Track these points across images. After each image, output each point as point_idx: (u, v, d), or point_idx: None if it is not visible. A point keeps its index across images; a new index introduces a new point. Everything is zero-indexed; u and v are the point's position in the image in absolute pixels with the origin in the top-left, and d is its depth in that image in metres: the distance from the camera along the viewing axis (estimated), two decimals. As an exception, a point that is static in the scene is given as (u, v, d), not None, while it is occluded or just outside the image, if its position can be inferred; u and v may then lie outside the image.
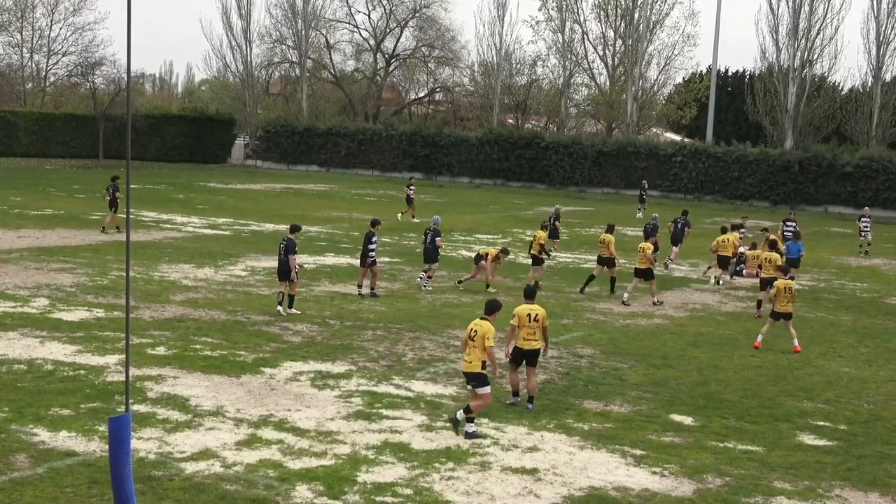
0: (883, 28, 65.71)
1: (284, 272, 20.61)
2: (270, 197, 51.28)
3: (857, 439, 13.74)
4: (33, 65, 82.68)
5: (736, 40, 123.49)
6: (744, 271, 28.83)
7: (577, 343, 19.12)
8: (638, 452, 12.63)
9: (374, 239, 23.11)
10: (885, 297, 27.73)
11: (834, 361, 18.88)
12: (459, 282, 25.20)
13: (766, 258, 23.95)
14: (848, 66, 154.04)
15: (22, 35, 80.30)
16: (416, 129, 74.48)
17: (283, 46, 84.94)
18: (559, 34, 76.89)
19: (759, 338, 19.65)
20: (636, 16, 73.56)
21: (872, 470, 12.47)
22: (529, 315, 14.19)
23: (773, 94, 67.20)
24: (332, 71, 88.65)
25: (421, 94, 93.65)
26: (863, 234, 38.69)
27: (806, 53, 66.82)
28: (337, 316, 20.58)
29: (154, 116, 75.59)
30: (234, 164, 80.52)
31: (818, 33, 66.78)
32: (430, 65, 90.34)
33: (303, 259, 24.22)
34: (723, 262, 27.76)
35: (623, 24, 75.58)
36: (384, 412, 13.77)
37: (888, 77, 66.95)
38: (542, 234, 26.08)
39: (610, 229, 26.42)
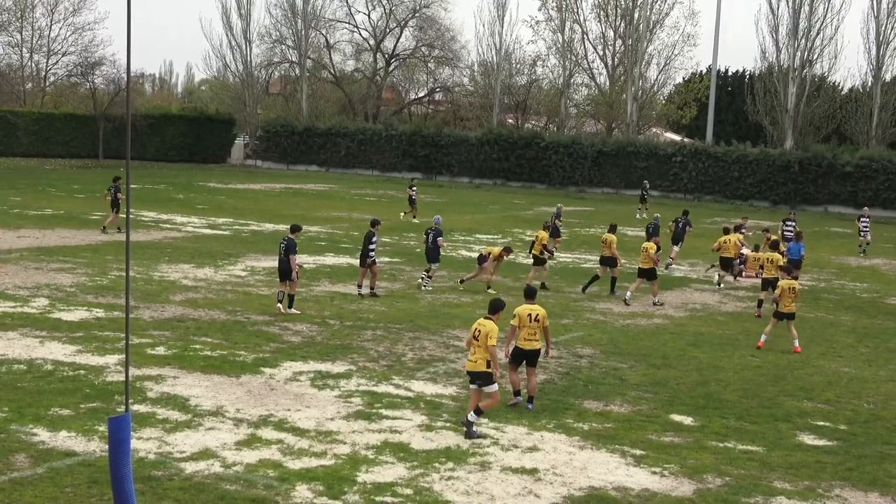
0: (883, 28, 65.73)
1: (285, 272, 20.61)
2: (270, 197, 51.28)
3: (857, 439, 13.74)
4: (33, 65, 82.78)
5: (736, 40, 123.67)
6: (743, 272, 28.83)
7: (577, 343, 19.12)
8: (638, 452, 12.62)
9: (374, 239, 23.11)
10: (885, 297, 27.73)
11: (834, 361, 18.88)
12: (461, 281, 25.23)
13: (768, 258, 23.95)
14: (848, 66, 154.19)
15: (22, 35, 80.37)
16: (416, 129, 74.50)
17: (283, 46, 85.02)
18: (559, 34, 76.97)
19: (763, 338, 19.64)
20: (636, 16, 73.58)
21: (872, 470, 12.47)
22: (530, 315, 14.19)
23: (773, 94, 67.22)
24: (331, 71, 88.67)
25: (421, 94, 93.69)
26: (862, 233, 38.71)
27: (806, 53, 66.84)
28: (337, 316, 20.58)
29: (154, 116, 75.60)
30: (233, 164, 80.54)
31: (818, 33, 66.84)
32: (429, 65, 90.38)
33: (303, 259, 24.22)
34: (725, 264, 27.75)
35: (623, 24, 75.61)
36: (384, 412, 13.77)
37: (888, 77, 67.01)
38: (544, 235, 26.07)
39: (612, 229, 26.45)
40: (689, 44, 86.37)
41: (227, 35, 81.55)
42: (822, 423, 14.47)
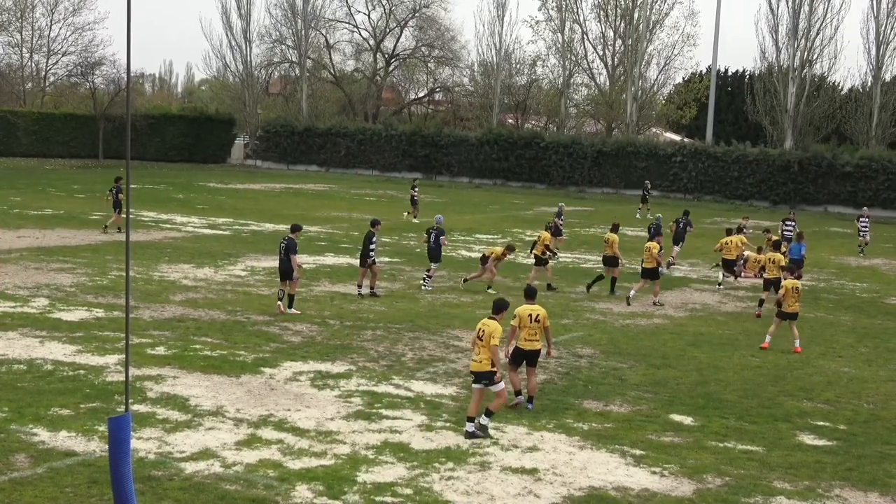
0: (883, 28, 65.75)
1: (285, 271, 20.62)
2: (270, 197, 51.29)
3: (856, 439, 13.74)
4: (33, 65, 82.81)
5: (736, 40, 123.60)
6: (742, 273, 28.82)
7: (577, 343, 19.12)
8: (638, 452, 12.63)
9: (374, 239, 23.12)
10: (885, 297, 27.73)
11: (834, 361, 18.88)
12: (464, 280, 25.27)
13: (769, 258, 23.96)
14: (848, 66, 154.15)
15: (22, 35, 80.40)
16: (416, 129, 74.51)
17: (283, 46, 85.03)
18: (559, 34, 76.98)
19: (768, 338, 19.61)
20: (636, 16, 73.59)
21: (872, 470, 12.47)
22: (531, 315, 14.19)
23: (772, 94, 67.22)
24: (331, 71, 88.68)
25: (421, 94, 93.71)
26: (861, 233, 38.71)
27: (806, 53, 66.86)
28: (337, 316, 20.58)
29: (154, 116, 75.62)
30: (233, 164, 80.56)
31: (818, 33, 66.86)
32: (429, 65, 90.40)
33: (303, 259, 24.21)
34: (727, 265, 27.75)
35: (623, 24, 75.62)
36: (384, 412, 13.77)
37: (888, 77, 67.01)
38: (547, 235, 26.08)
39: (614, 228, 26.48)
40: (689, 44, 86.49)
41: (227, 35, 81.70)
42: (821, 423, 14.48)
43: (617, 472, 11.87)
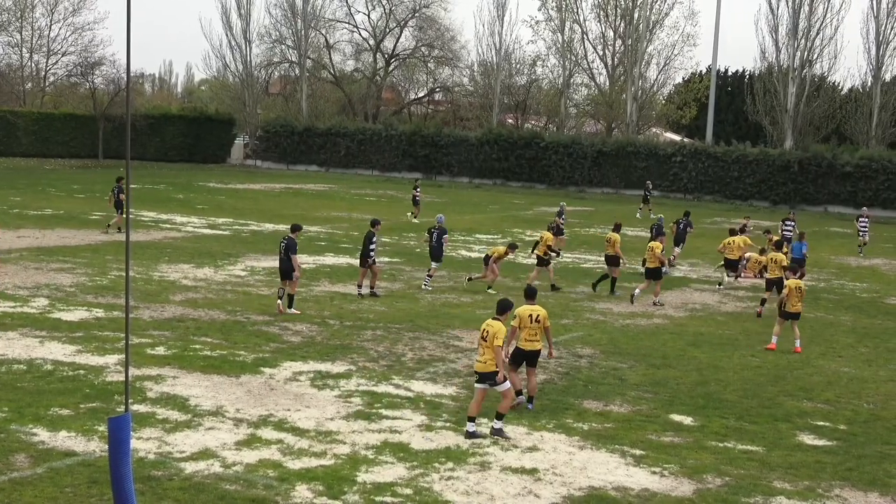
0: (882, 28, 65.75)
1: (285, 271, 20.62)
2: (270, 197, 51.29)
3: (856, 439, 13.74)
4: (33, 65, 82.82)
5: (736, 40, 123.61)
6: (742, 273, 28.81)
7: (577, 343, 19.12)
8: (638, 452, 12.62)
9: (375, 239, 23.12)
10: (885, 297, 27.73)
11: (834, 361, 18.88)
12: (469, 279, 25.32)
13: (771, 258, 23.98)
14: (848, 66, 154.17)
15: (21, 35, 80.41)
16: (416, 129, 74.52)
17: (283, 46, 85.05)
18: (559, 34, 76.99)
19: (774, 339, 19.56)
20: (636, 16, 73.60)
21: (872, 470, 12.47)
22: (531, 316, 14.17)
23: (772, 94, 67.23)
24: (331, 71, 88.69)
25: (420, 94, 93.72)
26: (861, 234, 38.71)
27: (806, 53, 66.87)
28: (336, 316, 20.58)
29: (153, 116, 75.62)
30: (233, 164, 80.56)
31: (818, 33, 66.87)
32: (429, 65, 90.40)
33: (302, 259, 24.21)
34: (729, 265, 27.74)
35: (623, 24, 75.64)
36: (384, 412, 13.77)
37: (888, 77, 67.02)
38: (549, 236, 26.08)
39: (617, 228, 26.50)
40: (689, 44, 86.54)
41: (226, 35, 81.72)
42: (821, 423, 14.47)
43: (617, 472, 11.87)
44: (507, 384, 12.99)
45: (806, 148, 63.64)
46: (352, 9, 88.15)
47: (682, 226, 31.88)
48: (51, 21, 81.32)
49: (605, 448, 12.74)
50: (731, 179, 63.79)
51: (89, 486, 10.47)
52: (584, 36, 77.90)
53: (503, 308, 13.32)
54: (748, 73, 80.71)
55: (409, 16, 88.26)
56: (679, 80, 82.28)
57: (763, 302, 23.71)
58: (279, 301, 20.54)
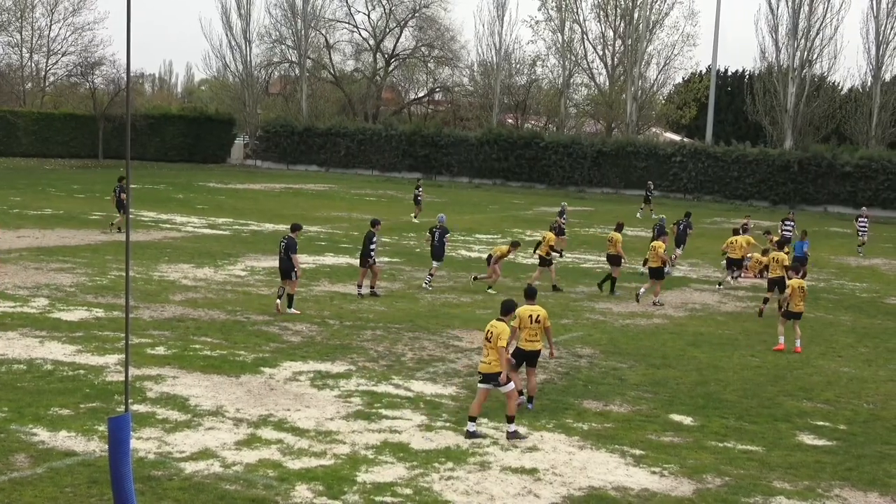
0: (882, 28, 65.76)
1: (285, 270, 20.63)
2: (270, 197, 51.29)
3: (856, 439, 13.74)
4: (33, 65, 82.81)
5: (736, 40, 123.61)
6: (742, 273, 28.80)
7: (577, 343, 19.13)
8: (637, 452, 12.63)
9: (375, 239, 23.12)
10: (885, 297, 27.73)
11: (833, 361, 18.89)
12: (475, 278, 25.37)
13: (773, 258, 24.01)
14: (847, 66, 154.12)
15: (21, 35, 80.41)
16: (416, 129, 74.52)
17: (283, 46, 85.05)
18: (559, 34, 77.00)
19: (780, 339, 19.54)
20: (636, 16, 73.61)
21: (872, 470, 12.48)
22: (531, 316, 14.17)
23: (772, 94, 67.23)
24: (331, 71, 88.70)
25: (420, 94, 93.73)
26: (860, 234, 38.71)
27: (805, 53, 66.87)
28: (336, 316, 20.58)
29: (153, 116, 75.63)
30: (233, 164, 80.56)
31: (818, 33, 66.87)
32: (429, 65, 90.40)
33: (302, 259, 24.22)
34: (732, 265, 27.74)
35: (623, 24, 75.65)
36: (383, 412, 13.77)
37: (888, 77, 67.03)
38: (551, 236, 26.09)
39: (619, 228, 26.51)
40: (689, 44, 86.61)
41: (226, 35, 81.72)
42: (821, 422, 14.48)
43: (617, 472, 11.87)
44: (511, 385, 12.99)
45: (806, 148, 63.65)
46: (352, 9, 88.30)
47: (682, 227, 31.89)
48: (51, 21, 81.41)
49: (604, 448, 12.74)
50: (731, 179, 63.80)
51: (89, 486, 10.47)
52: (584, 36, 77.99)
53: (507, 309, 13.33)
54: (748, 73, 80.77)
55: (409, 16, 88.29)
56: (679, 80, 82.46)
57: (766, 301, 23.73)
58: (278, 301, 20.55)
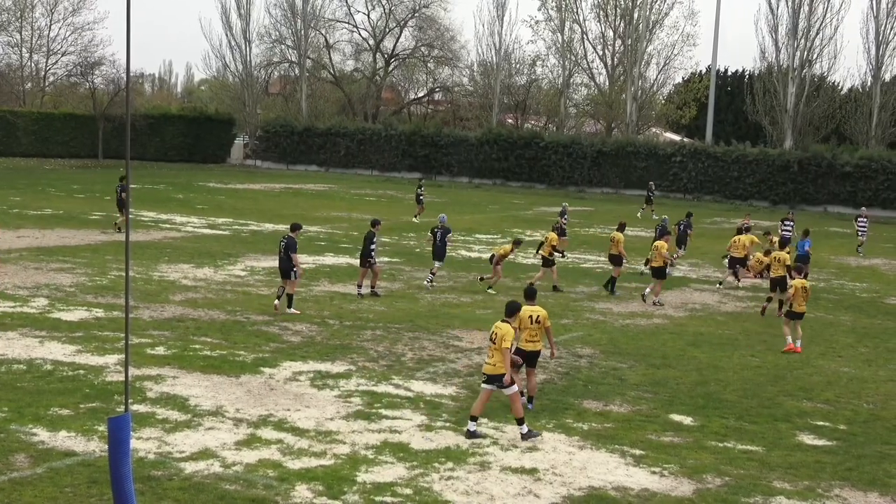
0: (882, 28, 65.78)
1: (285, 270, 20.63)
2: (270, 197, 51.29)
3: (856, 439, 13.74)
4: (32, 65, 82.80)
5: (736, 40, 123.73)
6: (740, 274, 28.78)
7: (577, 343, 19.12)
8: (637, 452, 12.63)
9: (375, 239, 23.12)
10: (885, 297, 27.73)
11: (833, 361, 18.88)
12: (481, 279, 25.43)
13: (775, 257, 24.01)
14: (847, 66, 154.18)
15: (21, 35, 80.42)
16: (416, 129, 74.53)
17: (283, 46, 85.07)
18: (558, 34, 77.01)
19: (788, 340, 19.47)
20: (635, 16, 73.61)
21: (872, 470, 12.47)
22: (531, 317, 14.17)
23: (772, 94, 67.24)
24: (331, 71, 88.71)
25: (420, 94, 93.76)
26: (860, 234, 38.71)
27: (805, 53, 66.89)
28: (336, 316, 20.58)
29: (153, 116, 75.63)
30: (233, 164, 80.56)
31: (817, 33, 66.90)
32: (429, 64, 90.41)
33: (302, 259, 24.20)
34: (733, 264, 27.74)
35: (622, 24, 75.66)
36: (383, 412, 13.77)
37: (887, 77, 67.04)
38: (553, 237, 26.09)
39: (621, 227, 26.53)
40: (689, 44, 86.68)
41: (226, 35, 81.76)
42: (821, 422, 14.48)
43: (617, 472, 11.87)
44: (515, 388, 12.98)
45: (806, 148, 63.66)
46: (351, 9, 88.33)
47: (682, 227, 31.88)
48: (51, 21, 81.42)
49: (604, 448, 12.74)
50: (731, 179, 63.81)
51: (89, 486, 10.47)
52: (584, 36, 78.01)
53: (512, 310, 13.33)
54: (748, 72, 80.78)
55: (409, 16, 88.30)
56: (679, 79, 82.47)
57: (769, 300, 23.75)
58: (277, 300, 20.55)
